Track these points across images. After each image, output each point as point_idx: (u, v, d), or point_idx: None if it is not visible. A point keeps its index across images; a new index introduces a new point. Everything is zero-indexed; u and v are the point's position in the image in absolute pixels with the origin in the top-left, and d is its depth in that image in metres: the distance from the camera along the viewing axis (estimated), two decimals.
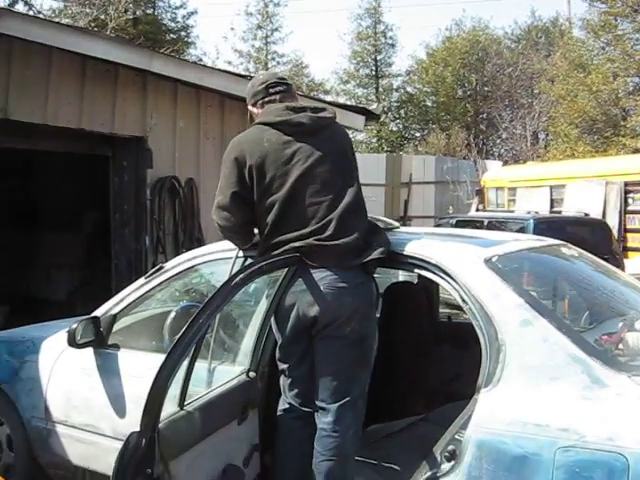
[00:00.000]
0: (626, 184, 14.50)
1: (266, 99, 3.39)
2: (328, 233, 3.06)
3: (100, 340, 3.83)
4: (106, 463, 3.73)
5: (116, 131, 7.05)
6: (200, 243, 7.83)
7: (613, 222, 13.80)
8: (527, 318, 2.84)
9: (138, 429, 3.44)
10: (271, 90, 3.41)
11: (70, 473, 3.97)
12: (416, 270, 3.23)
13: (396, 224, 3.56)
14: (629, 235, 14.47)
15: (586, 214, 13.04)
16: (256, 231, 3.37)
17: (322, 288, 3.04)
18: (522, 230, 10.66)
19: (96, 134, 6.95)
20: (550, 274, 3.52)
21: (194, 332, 2.48)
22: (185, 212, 7.70)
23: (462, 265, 3.08)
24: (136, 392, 3.62)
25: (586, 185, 15.12)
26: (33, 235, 9.39)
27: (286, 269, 3.05)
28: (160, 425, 2.40)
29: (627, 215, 14.58)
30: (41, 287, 9.36)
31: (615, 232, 13.01)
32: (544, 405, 2.65)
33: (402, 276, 4.76)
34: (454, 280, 3.04)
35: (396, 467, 3.44)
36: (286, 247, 3.07)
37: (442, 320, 5.05)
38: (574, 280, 3.55)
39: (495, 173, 19.96)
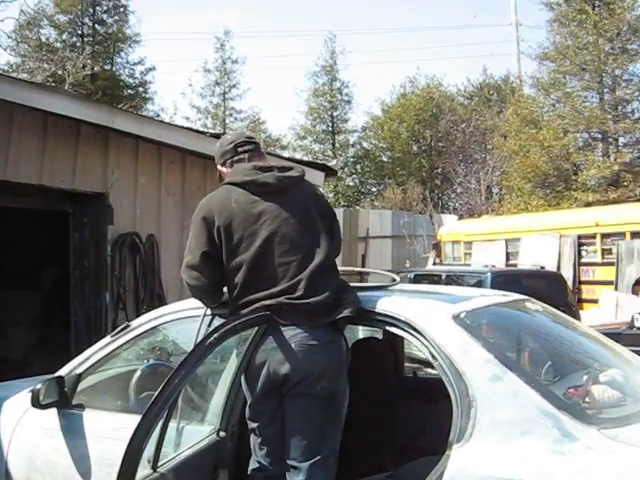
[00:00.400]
0: (579, 237, 14.84)
1: (235, 158, 3.43)
2: (299, 293, 3.08)
3: (64, 400, 3.75)
4: None
5: (77, 187, 7.03)
6: (161, 299, 7.79)
7: (568, 274, 14.06)
8: (497, 373, 2.87)
9: None
10: (240, 149, 3.45)
11: None
12: (386, 327, 3.26)
13: (397, 279, 3.59)
14: (583, 287, 14.75)
15: (542, 267, 13.25)
16: (225, 290, 3.38)
17: (293, 346, 3.04)
18: (480, 283, 10.79)
19: (57, 190, 6.92)
20: (516, 329, 3.57)
21: (169, 393, 2.46)
22: (146, 268, 7.66)
23: (431, 322, 3.11)
24: (100, 453, 3.57)
25: (541, 238, 15.43)
26: None
27: (256, 327, 3.05)
28: None
29: (581, 267, 14.88)
30: None
31: (570, 284, 13.22)
32: (516, 460, 2.67)
33: (362, 332, 4.78)
34: (423, 337, 3.07)
35: None
36: (256, 305, 3.08)
37: (408, 375, 5.07)
38: (540, 334, 3.61)
39: (451, 227, 20.27)
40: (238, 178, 3.31)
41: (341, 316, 3.13)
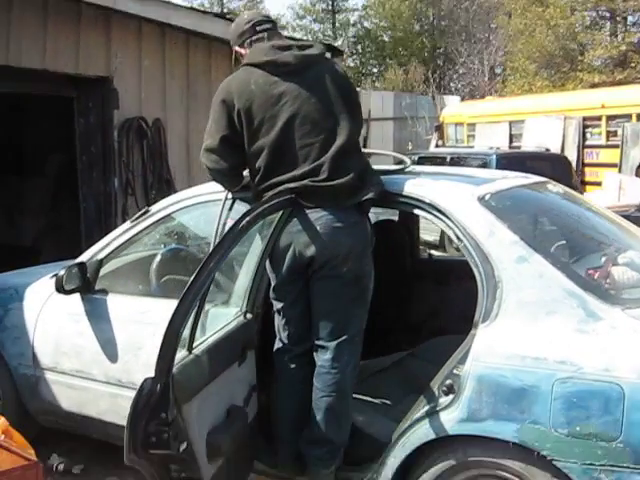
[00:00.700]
0: (584, 119, 14.67)
1: (254, 38, 3.33)
2: (323, 175, 3.05)
3: (87, 286, 3.80)
4: (98, 408, 3.77)
5: (81, 71, 6.85)
6: (169, 184, 7.77)
7: (571, 157, 13.97)
8: (523, 255, 2.88)
9: (140, 374, 3.48)
10: (258, 28, 3.34)
11: (61, 419, 3.96)
12: (411, 209, 3.25)
13: (408, 162, 3.55)
14: (587, 169, 14.71)
15: (547, 149, 13.18)
16: (246, 173, 3.35)
17: (318, 228, 3.04)
18: (484, 166, 10.74)
19: (60, 75, 6.76)
20: (540, 211, 3.56)
21: (205, 276, 2.48)
22: (153, 153, 7.59)
23: (456, 204, 3.10)
24: (127, 337, 3.64)
25: (545, 120, 15.25)
26: None
27: (281, 211, 3.04)
28: (173, 370, 2.42)
29: (585, 149, 14.79)
30: (5, 232, 9.17)
31: (574, 166, 13.18)
32: (542, 339, 2.72)
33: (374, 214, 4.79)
34: (449, 219, 3.07)
35: (390, 403, 3.52)
36: (281, 188, 3.06)
37: (422, 257, 5.12)
38: (561, 216, 3.60)
39: (454, 109, 19.99)
40: (257, 58, 3.22)
41: (366, 198, 3.11)
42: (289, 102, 3.13)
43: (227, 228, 3.51)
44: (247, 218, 2.69)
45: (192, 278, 2.49)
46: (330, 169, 3.06)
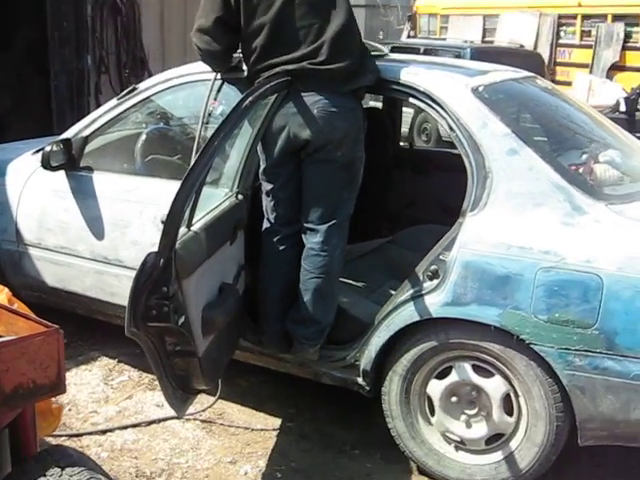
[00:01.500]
0: (559, 17, 14.53)
1: None
2: (321, 58, 3.02)
3: (73, 162, 3.78)
4: (83, 284, 3.83)
5: None
6: (143, 63, 7.64)
7: (544, 54, 13.89)
8: (514, 147, 2.94)
9: (127, 252, 3.52)
10: None
11: (45, 294, 4.00)
12: (404, 97, 3.26)
13: (385, 50, 3.53)
14: (558, 68, 14.67)
15: (521, 45, 13.09)
16: (236, 55, 3.32)
17: (315, 112, 3.04)
18: (458, 58, 10.70)
19: None
20: (530, 105, 3.60)
21: (208, 157, 2.49)
22: (127, 30, 7.44)
23: (450, 94, 3.11)
24: (113, 214, 3.66)
25: (520, 16, 15.07)
26: None
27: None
28: (176, 245, 2.46)
29: (558, 48, 14.71)
30: None
31: (546, 64, 13.14)
32: (528, 229, 2.81)
33: None
34: (442, 108, 3.09)
35: (372, 286, 3.63)
36: (278, 70, 3.03)
37: (404, 146, 5.15)
38: (549, 111, 3.64)
39: None
40: None
41: (362, 85, 3.12)
42: None
43: (212, 110, 3.53)
44: (249, 98, 2.67)
45: (196, 158, 2.50)
46: (329, 52, 3.03)
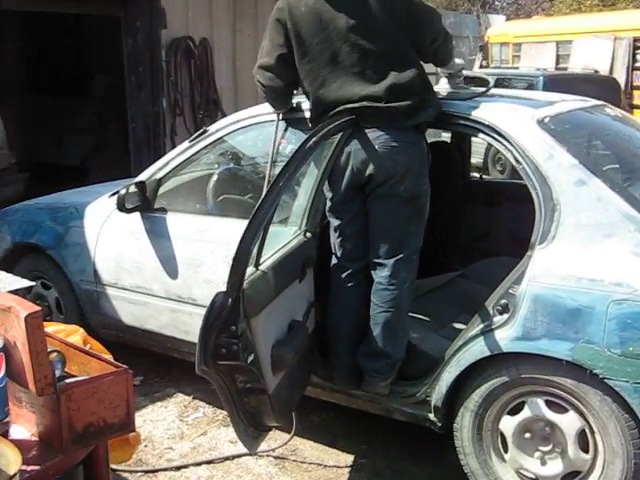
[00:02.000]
0: (635, 40, 14.25)
1: None
2: (381, 95, 3.06)
3: (147, 204, 3.90)
4: (159, 322, 3.92)
5: None
6: (216, 104, 7.83)
7: (620, 79, 13.64)
8: (581, 178, 2.90)
9: (200, 290, 3.60)
10: None
11: (122, 332, 4.12)
12: (468, 132, 3.27)
13: (488, 78, 3.55)
14: (635, 92, 14.36)
15: (595, 71, 12.90)
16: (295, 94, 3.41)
17: (376, 147, 3.08)
18: (531, 87, 10.59)
19: None
20: (599, 134, 3.55)
21: (274, 196, 2.55)
22: (201, 73, 7.65)
23: (516, 126, 3.10)
24: (186, 254, 3.75)
25: (594, 41, 14.84)
26: (43, 100, 9.26)
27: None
28: (244, 285, 2.51)
29: (634, 72, 14.42)
30: (54, 153, 9.31)
31: (622, 89, 12.90)
32: (598, 261, 2.76)
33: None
34: (507, 141, 3.08)
35: (442, 321, 3.61)
36: (340, 109, 3.08)
37: (473, 179, 5.13)
38: (619, 140, 3.58)
39: (500, 28, 19.49)
40: None
41: (423, 120, 3.14)
42: (344, 19, 3.10)
43: (281, 149, 3.60)
44: (313, 139, 2.73)
45: (262, 197, 2.56)
46: (388, 89, 3.06)
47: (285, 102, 3.48)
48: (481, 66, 17.25)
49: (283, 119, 3.57)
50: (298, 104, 3.52)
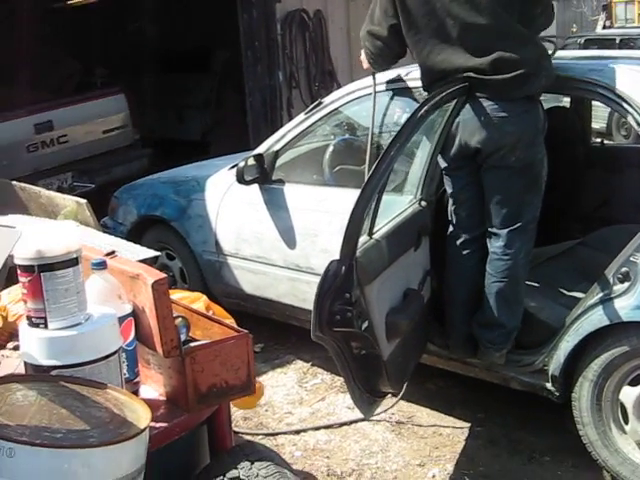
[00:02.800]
0: None
1: None
2: (485, 69, 3.00)
3: (265, 176, 4.00)
4: (278, 291, 4.03)
5: None
6: (332, 76, 7.87)
7: None
8: None
9: (317, 259, 3.68)
10: None
11: (243, 301, 4.26)
12: (585, 95, 3.18)
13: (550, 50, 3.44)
14: None
15: None
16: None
17: (483, 119, 3.03)
18: None
19: None
20: None
21: (386, 165, 2.58)
22: (315, 45, 7.69)
23: (635, 88, 3.00)
24: (304, 224, 3.83)
25: None
26: (164, 77, 9.55)
27: (454, 100, 3.06)
28: (357, 253, 2.56)
29: None
30: (175, 128, 9.59)
31: None
32: None
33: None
34: (628, 103, 2.98)
35: (562, 290, 3.55)
36: (452, 78, 3.06)
37: (594, 145, 4.98)
38: None
39: None
40: None
41: (535, 90, 3.07)
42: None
43: (396, 118, 3.62)
44: (425, 107, 2.74)
45: (374, 166, 2.59)
46: (498, 59, 2.99)
47: (389, 66, 3.54)
48: (604, 27, 16.61)
49: (395, 88, 3.57)
50: (409, 73, 3.52)
